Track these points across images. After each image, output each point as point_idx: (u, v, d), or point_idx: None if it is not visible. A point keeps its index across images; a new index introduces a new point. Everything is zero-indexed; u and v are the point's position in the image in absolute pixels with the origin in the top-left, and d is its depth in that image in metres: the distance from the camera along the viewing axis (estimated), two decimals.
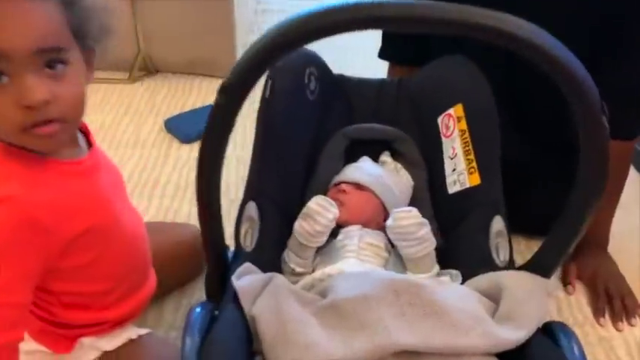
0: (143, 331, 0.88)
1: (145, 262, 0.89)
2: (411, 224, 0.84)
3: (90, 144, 0.78)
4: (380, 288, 0.72)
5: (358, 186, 0.93)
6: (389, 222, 0.85)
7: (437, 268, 0.87)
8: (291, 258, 0.87)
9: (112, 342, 0.85)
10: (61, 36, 0.65)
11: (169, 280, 1.03)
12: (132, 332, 0.87)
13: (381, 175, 0.95)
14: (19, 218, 0.66)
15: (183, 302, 1.04)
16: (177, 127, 1.50)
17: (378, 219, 0.92)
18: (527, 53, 0.53)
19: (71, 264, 0.74)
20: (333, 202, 0.87)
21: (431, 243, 0.85)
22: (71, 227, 0.71)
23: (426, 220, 0.85)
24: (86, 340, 0.83)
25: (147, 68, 1.73)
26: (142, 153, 1.42)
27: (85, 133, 0.79)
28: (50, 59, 0.63)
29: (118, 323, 0.85)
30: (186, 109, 1.59)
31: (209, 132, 0.62)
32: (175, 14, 1.66)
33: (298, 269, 0.86)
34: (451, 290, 0.76)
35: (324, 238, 0.86)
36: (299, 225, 0.85)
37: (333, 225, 0.86)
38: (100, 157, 0.79)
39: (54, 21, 0.64)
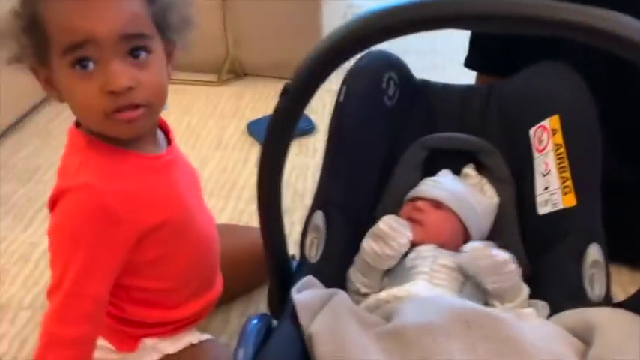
0: (205, 336, 0.88)
1: (214, 264, 0.89)
2: (488, 265, 0.75)
3: (169, 142, 0.79)
4: (449, 316, 0.65)
5: (436, 204, 0.86)
6: (463, 257, 0.78)
7: (525, 292, 0.78)
8: (357, 277, 0.82)
9: (174, 345, 0.84)
10: (145, 24, 0.67)
11: (236, 285, 1.01)
12: (194, 337, 0.86)
13: (462, 192, 0.86)
14: (94, 205, 0.67)
15: (249, 309, 1.02)
16: (259, 131, 1.49)
17: (456, 240, 0.85)
18: None
19: (143, 258, 0.75)
20: (406, 225, 0.81)
21: (513, 276, 0.76)
22: (145, 219, 0.72)
23: (506, 257, 0.76)
24: (149, 341, 0.83)
25: (235, 71, 1.75)
26: (223, 155, 1.43)
27: (165, 131, 0.80)
28: (134, 46, 0.65)
29: (183, 325, 0.85)
30: (269, 112, 1.58)
31: (270, 136, 0.59)
32: (264, 17, 1.66)
33: (364, 289, 0.81)
34: (533, 326, 0.67)
35: (394, 262, 0.80)
36: (368, 245, 0.80)
37: (405, 249, 0.80)
38: (178, 155, 0.80)
39: (138, 9, 0.66)
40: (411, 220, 0.85)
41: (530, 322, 0.69)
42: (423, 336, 0.63)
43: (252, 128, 1.51)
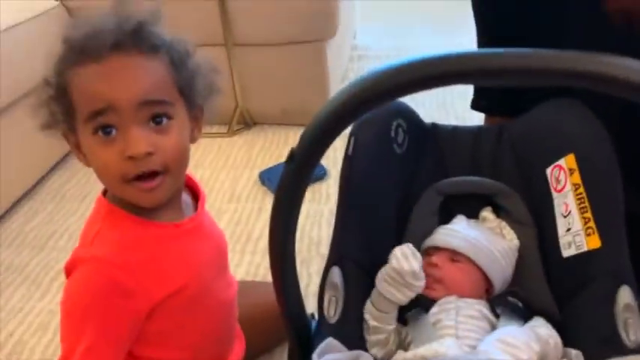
0: None
1: (232, 331, 0.87)
2: None
3: (197, 207, 0.78)
4: None
5: (452, 255, 0.83)
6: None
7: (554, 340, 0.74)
8: (368, 308, 0.78)
9: None
10: (167, 91, 0.68)
11: (257, 344, 0.99)
12: None
13: (479, 238, 0.84)
14: (104, 280, 0.67)
15: None
16: (271, 179, 1.49)
17: (479, 289, 0.82)
18: None
19: (156, 328, 0.73)
20: (419, 256, 0.76)
21: None
22: (158, 291, 0.71)
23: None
24: None
25: (244, 121, 1.77)
26: (237, 207, 1.43)
27: (196, 194, 0.80)
28: (155, 113, 0.66)
29: None
30: (280, 160, 1.58)
31: (279, 201, 0.58)
32: (270, 66, 1.68)
33: (372, 322, 0.77)
34: None
35: (404, 296, 0.76)
36: (380, 272, 0.78)
37: (412, 282, 0.75)
38: (205, 221, 0.79)
39: (160, 77, 0.67)
40: (430, 277, 0.82)
41: None
42: None
43: (265, 177, 1.51)
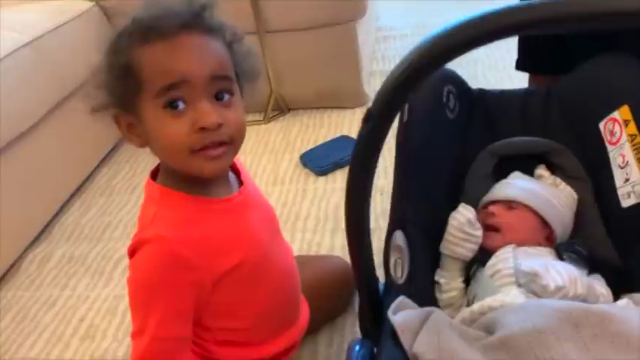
0: None
1: (296, 298, 0.89)
2: (541, 291, 0.72)
3: (241, 182, 0.80)
4: (555, 320, 0.63)
5: (509, 204, 0.85)
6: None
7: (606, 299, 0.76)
8: (437, 271, 0.83)
9: None
10: (229, 67, 0.71)
11: (319, 315, 1.02)
12: None
13: (536, 188, 0.86)
14: (168, 256, 0.70)
15: (335, 338, 1.02)
16: (312, 161, 1.52)
17: (539, 237, 0.83)
18: None
19: (223, 299, 0.77)
20: (470, 207, 0.83)
21: (576, 297, 0.72)
22: (220, 263, 0.74)
23: (559, 284, 0.71)
24: None
25: (279, 107, 1.79)
26: (282, 189, 1.46)
27: (237, 172, 0.82)
28: (221, 88, 0.69)
29: None
30: (318, 142, 1.61)
31: (355, 163, 0.60)
32: (301, 51, 1.70)
33: (442, 281, 0.82)
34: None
35: (465, 250, 0.81)
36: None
37: (470, 231, 0.82)
38: (251, 194, 0.81)
39: (224, 55, 0.70)
40: (486, 227, 0.85)
41: (636, 313, 0.67)
42: (534, 342, 0.62)
43: (306, 159, 1.53)
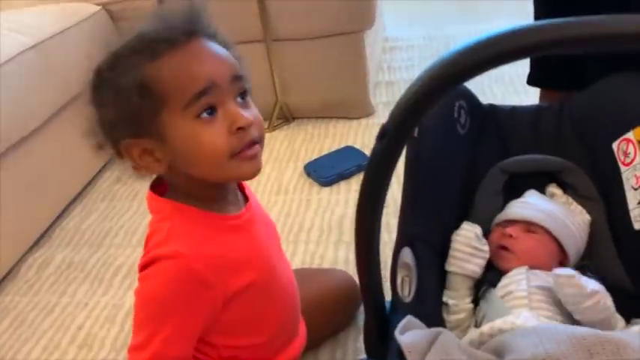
0: None
1: (297, 313, 0.88)
2: (575, 294, 0.72)
3: (246, 198, 0.79)
4: (567, 346, 0.62)
5: (528, 225, 0.83)
6: (549, 280, 0.75)
7: (621, 326, 0.74)
8: (444, 291, 0.82)
9: None
10: (242, 68, 0.70)
11: (321, 330, 1.00)
12: None
13: (554, 210, 0.84)
14: (185, 272, 0.68)
15: (337, 353, 1.01)
16: (316, 171, 1.50)
17: (553, 262, 0.82)
18: None
19: (233, 317, 0.75)
20: (475, 224, 0.83)
21: (604, 310, 0.72)
22: (234, 281, 0.72)
23: (596, 288, 0.72)
24: None
25: (284, 116, 1.78)
26: (285, 199, 1.44)
27: (241, 187, 0.80)
28: (242, 88, 0.68)
29: None
30: (323, 152, 1.60)
31: (369, 178, 0.59)
32: (308, 60, 1.70)
33: (451, 302, 0.80)
34: None
35: (473, 265, 0.80)
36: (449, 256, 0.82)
37: (477, 245, 0.81)
38: (256, 209, 0.79)
39: (232, 56, 0.69)
40: (501, 248, 0.83)
41: None
42: None
43: (310, 169, 1.52)
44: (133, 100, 0.63)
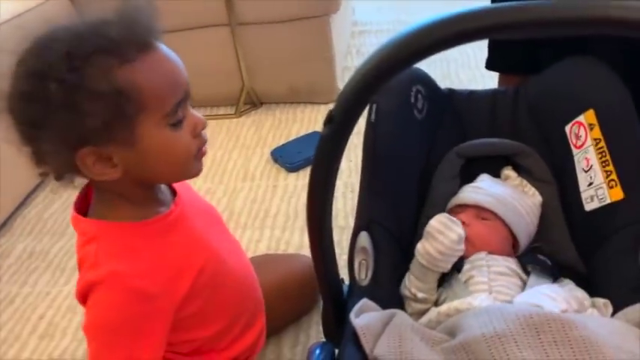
0: None
1: (257, 295, 0.87)
2: None
3: (174, 192, 0.76)
4: (517, 324, 0.63)
5: (479, 211, 0.85)
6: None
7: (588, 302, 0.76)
8: (412, 282, 0.81)
9: None
10: None
11: (284, 314, 1.01)
12: None
13: (505, 195, 0.85)
14: (125, 292, 0.66)
15: (300, 338, 1.02)
16: (283, 157, 1.50)
17: (506, 246, 0.84)
18: None
19: (187, 313, 0.74)
20: (457, 221, 0.79)
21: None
22: (179, 285, 0.71)
23: (563, 307, 0.71)
24: None
25: (252, 101, 1.77)
26: (252, 185, 1.44)
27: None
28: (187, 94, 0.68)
29: None
30: (291, 138, 1.60)
31: (317, 164, 0.59)
32: (275, 45, 1.68)
33: (420, 295, 0.79)
34: (602, 325, 0.65)
35: (449, 264, 0.78)
36: (421, 246, 0.79)
37: (459, 248, 0.78)
38: (188, 201, 0.77)
39: None
40: None
41: (599, 321, 0.67)
42: (494, 347, 0.61)
43: (277, 154, 1.52)
44: (110, 106, 0.59)
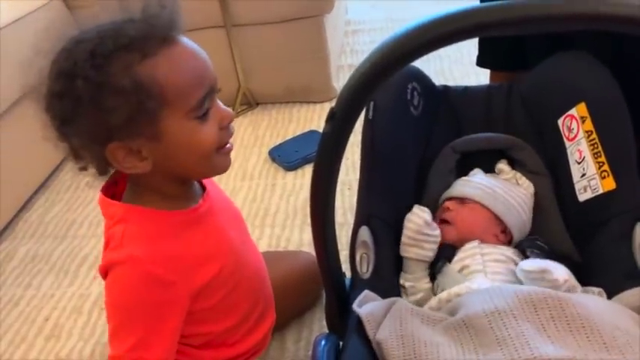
0: None
1: (268, 292, 0.90)
2: (549, 286, 0.73)
3: (203, 188, 0.79)
4: (515, 302, 0.66)
5: (462, 200, 0.88)
6: (518, 273, 0.77)
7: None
8: (402, 276, 0.84)
9: None
10: None
11: (287, 311, 1.03)
12: None
13: (491, 185, 0.88)
14: (142, 276, 0.68)
15: (303, 333, 1.03)
16: (281, 156, 1.52)
17: (493, 231, 0.86)
18: None
19: (202, 307, 0.75)
20: (425, 209, 0.84)
21: (573, 290, 0.75)
22: (198, 276, 0.73)
23: (565, 277, 0.74)
24: None
25: (248, 102, 1.79)
26: (250, 184, 1.46)
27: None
28: (217, 86, 0.69)
29: None
30: (287, 137, 1.61)
31: (319, 161, 0.61)
32: (269, 46, 1.70)
33: (407, 284, 0.83)
34: (599, 304, 0.68)
35: (427, 250, 0.83)
36: (402, 240, 0.84)
37: (428, 232, 0.83)
38: (215, 198, 0.79)
39: None
40: (442, 221, 0.88)
41: (595, 300, 0.70)
42: (494, 321, 0.64)
43: (274, 154, 1.53)
44: (132, 102, 0.61)
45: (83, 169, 0.69)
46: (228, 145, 0.71)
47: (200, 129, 0.66)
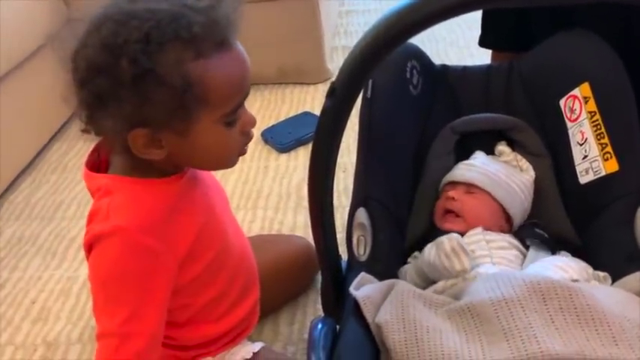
0: (257, 346, 0.86)
1: (250, 264, 0.87)
2: None
3: None
4: (524, 291, 0.64)
5: (468, 187, 0.85)
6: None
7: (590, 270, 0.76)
8: (411, 276, 0.81)
9: None
10: None
11: (281, 294, 1.01)
12: (246, 350, 0.85)
13: (496, 172, 0.86)
14: (129, 247, 0.66)
15: (297, 316, 1.02)
16: (274, 138, 1.49)
17: (499, 221, 0.84)
18: None
19: (189, 277, 0.74)
20: (467, 251, 0.75)
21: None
22: (183, 241, 0.71)
23: (575, 277, 0.72)
24: None
25: None
26: (243, 167, 1.43)
27: None
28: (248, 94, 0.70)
29: (232, 340, 0.84)
30: (280, 118, 1.58)
31: (319, 137, 0.59)
32: (262, 25, 1.65)
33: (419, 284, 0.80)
34: (608, 294, 0.66)
35: (451, 276, 0.76)
36: (429, 252, 0.77)
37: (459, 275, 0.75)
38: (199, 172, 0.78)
39: None
40: (447, 212, 0.85)
41: (604, 290, 0.68)
42: (500, 311, 0.62)
43: (267, 135, 1.51)
44: (176, 98, 0.59)
45: (86, 131, 0.66)
46: (246, 147, 0.71)
47: (227, 134, 0.67)
